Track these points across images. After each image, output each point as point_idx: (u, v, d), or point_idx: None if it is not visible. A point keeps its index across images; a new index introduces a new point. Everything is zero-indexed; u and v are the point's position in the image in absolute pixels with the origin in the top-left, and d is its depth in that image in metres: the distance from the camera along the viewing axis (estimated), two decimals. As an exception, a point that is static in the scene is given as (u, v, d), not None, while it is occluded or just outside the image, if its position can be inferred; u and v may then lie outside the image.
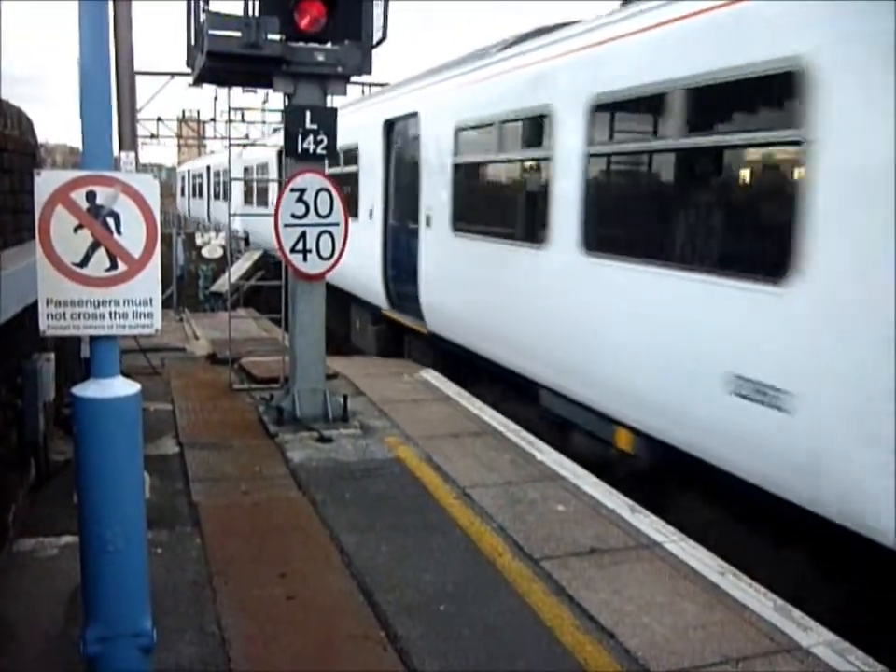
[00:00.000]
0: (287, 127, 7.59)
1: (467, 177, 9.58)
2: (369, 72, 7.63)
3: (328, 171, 8.09)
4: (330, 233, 7.69)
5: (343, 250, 7.79)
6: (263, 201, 22.55)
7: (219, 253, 23.06)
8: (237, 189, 25.02)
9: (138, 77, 10.70)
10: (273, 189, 19.15)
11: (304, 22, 7.09)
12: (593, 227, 6.97)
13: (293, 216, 7.59)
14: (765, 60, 5.12)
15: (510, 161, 8.75)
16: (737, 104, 5.63)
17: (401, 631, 4.29)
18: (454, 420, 8.23)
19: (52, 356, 6.08)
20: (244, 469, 6.70)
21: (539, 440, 7.59)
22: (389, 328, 12.44)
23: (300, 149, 7.51)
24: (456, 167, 9.62)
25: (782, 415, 4.98)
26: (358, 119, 13.04)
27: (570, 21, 8.05)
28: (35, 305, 3.44)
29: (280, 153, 21.63)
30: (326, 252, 7.69)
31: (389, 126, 11.76)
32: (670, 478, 6.45)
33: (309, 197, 7.58)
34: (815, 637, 4.33)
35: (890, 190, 4.30)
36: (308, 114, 7.47)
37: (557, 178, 7.45)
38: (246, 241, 24.64)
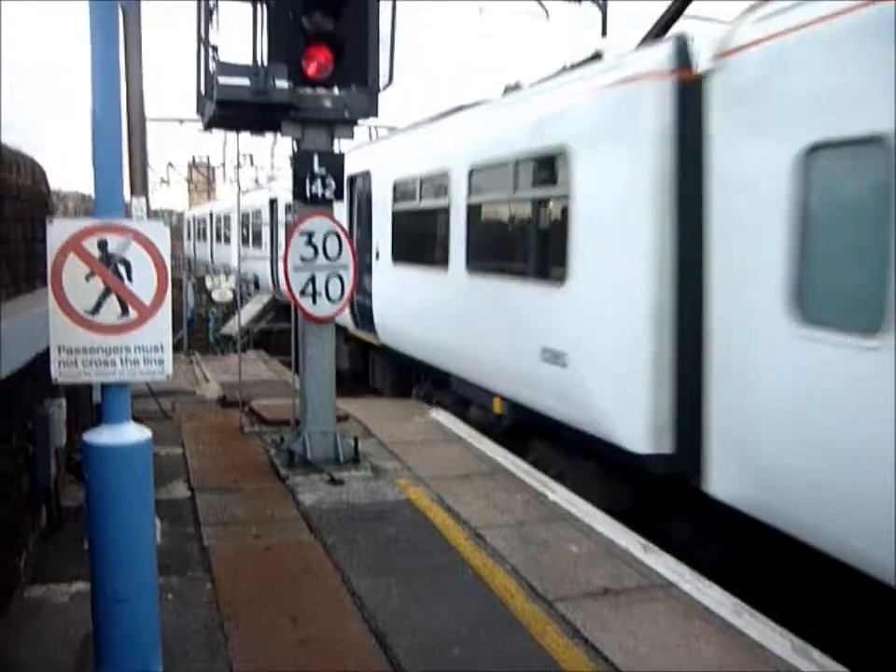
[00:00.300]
0: (296, 171, 7.68)
1: (401, 220, 11.96)
2: (375, 115, 7.75)
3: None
4: (339, 276, 7.75)
5: (352, 292, 7.85)
6: (258, 243, 25.44)
7: (229, 296, 23.20)
8: (234, 233, 26.90)
9: (148, 123, 10.84)
10: (265, 233, 23.49)
11: (312, 69, 7.21)
12: (472, 254, 9.53)
13: (302, 259, 7.65)
14: (551, 145, 7.77)
15: (425, 209, 11.11)
16: (539, 171, 8.29)
17: (414, 675, 4.25)
18: (464, 460, 8.20)
19: (64, 401, 6.10)
20: (255, 512, 6.68)
21: (548, 478, 7.56)
22: (357, 347, 14.77)
23: (308, 193, 7.60)
24: (395, 213, 12.04)
25: (564, 370, 7.43)
26: None
27: (483, 100, 10.33)
28: (47, 352, 3.47)
29: (272, 201, 22.91)
30: (335, 295, 7.74)
31: (352, 181, 13.62)
32: (528, 430, 8.67)
33: (318, 240, 7.65)
34: (834, 677, 4.27)
35: (621, 226, 6.77)
36: (316, 158, 7.57)
37: (453, 220, 9.89)
38: (256, 284, 24.79)
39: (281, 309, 20.43)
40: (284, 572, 5.54)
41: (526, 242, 8.42)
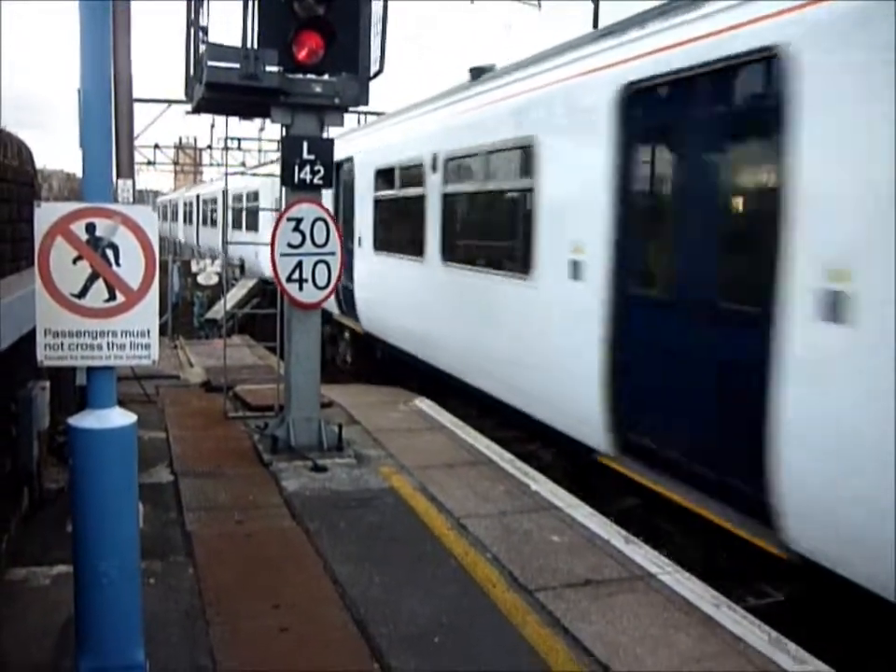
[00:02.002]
0: (284, 157, 7.64)
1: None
2: (366, 103, 7.71)
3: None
4: (326, 263, 7.73)
5: (338, 279, 7.84)
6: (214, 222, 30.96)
7: (215, 280, 23.09)
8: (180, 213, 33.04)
9: (135, 104, 10.77)
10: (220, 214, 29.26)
11: (302, 54, 7.17)
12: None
13: (289, 245, 7.63)
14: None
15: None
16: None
17: (395, 664, 4.26)
18: (448, 450, 8.22)
19: (48, 384, 6.08)
20: (237, 498, 6.68)
21: (531, 469, 7.59)
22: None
23: (296, 179, 7.57)
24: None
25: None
26: None
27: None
28: (31, 333, 3.45)
29: (224, 191, 24.11)
30: (322, 281, 7.72)
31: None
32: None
33: (305, 227, 7.63)
34: (809, 668, 4.32)
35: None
36: (305, 144, 7.54)
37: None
38: (242, 269, 24.69)
39: (267, 294, 20.37)
40: (266, 558, 5.54)
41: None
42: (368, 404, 10.17)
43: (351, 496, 6.78)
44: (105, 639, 3.42)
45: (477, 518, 6.32)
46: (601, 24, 16.89)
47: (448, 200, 9.92)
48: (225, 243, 10.95)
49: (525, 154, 8.09)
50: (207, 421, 9.07)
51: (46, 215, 3.34)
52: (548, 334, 7.75)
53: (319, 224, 7.68)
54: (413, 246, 10.75)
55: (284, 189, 7.95)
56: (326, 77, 7.45)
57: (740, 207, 5.84)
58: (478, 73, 10.22)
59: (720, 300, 5.71)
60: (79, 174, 3.44)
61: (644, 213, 6.70)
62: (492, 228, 9.37)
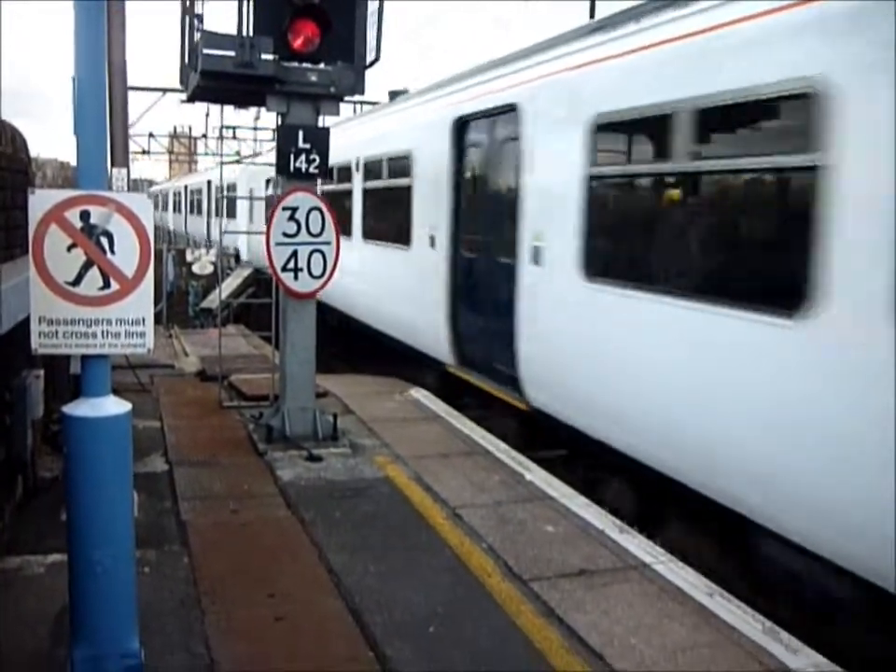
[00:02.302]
0: (280, 146, 7.61)
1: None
2: (362, 92, 7.69)
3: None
4: (322, 252, 7.71)
5: (334, 269, 7.82)
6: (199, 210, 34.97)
7: (210, 269, 23.04)
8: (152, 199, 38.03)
9: (130, 92, 10.71)
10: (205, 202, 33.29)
11: (298, 43, 7.14)
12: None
13: (285, 234, 7.61)
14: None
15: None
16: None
17: (390, 653, 4.27)
18: (443, 439, 8.23)
19: (42, 372, 6.06)
20: (232, 487, 6.67)
21: (526, 459, 7.61)
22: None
23: (292, 168, 7.53)
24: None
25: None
26: None
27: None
28: (25, 322, 3.44)
29: (209, 182, 27.13)
30: (317, 271, 7.70)
31: None
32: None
33: (301, 216, 7.60)
34: (804, 659, 4.34)
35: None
36: (301, 133, 7.51)
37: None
38: (237, 258, 24.65)
39: (262, 283, 20.37)
40: (261, 548, 5.55)
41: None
42: (363, 394, 10.17)
43: (346, 485, 6.78)
44: (99, 628, 3.42)
45: (472, 508, 6.32)
46: (597, 18, 16.91)
47: (366, 193, 12.68)
48: (221, 232, 10.88)
49: (407, 162, 10.81)
50: (202, 410, 9.06)
51: (40, 202, 3.32)
52: (418, 284, 10.48)
53: (315, 213, 7.66)
54: (345, 229, 11.77)
55: (250, 182, 8.12)
56: (321, 65, 7.42)
57: (505, 201, 8.47)
58: (393, 95, 12.82)
59: (496, 256, 8.76)
60: (73, 162, 3.42)
61: (465, 203, 9.50)
62: (389, 214, 11.74)
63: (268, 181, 18.17)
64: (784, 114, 5.23)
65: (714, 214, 5.87)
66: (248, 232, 18.74)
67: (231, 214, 26.32)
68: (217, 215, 29.92)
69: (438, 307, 9.79)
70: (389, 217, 11.76)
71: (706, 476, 5.69)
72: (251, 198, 9.94)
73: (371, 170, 12.50)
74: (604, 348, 6.80)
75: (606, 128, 6.78)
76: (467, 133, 9.43)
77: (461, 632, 4.51)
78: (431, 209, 10.01)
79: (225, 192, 28.13)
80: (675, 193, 6.17)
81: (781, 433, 5.00)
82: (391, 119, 12.42)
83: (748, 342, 5.24)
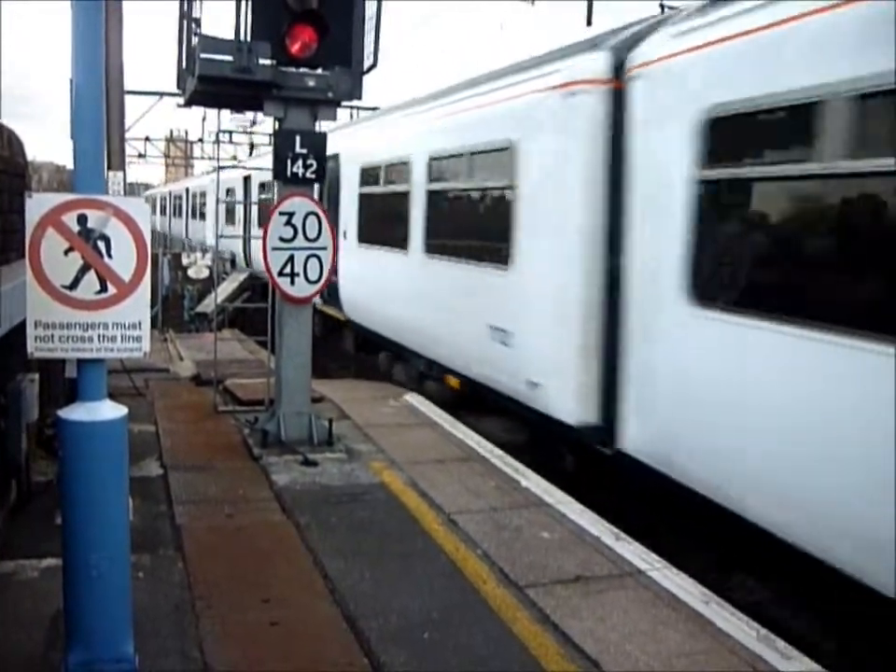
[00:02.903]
0: (277, 151, 7.62)
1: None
2: (359, 97, 7.69)
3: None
4: (318, 257, 7.71)
5: (330, 274, 7.82)
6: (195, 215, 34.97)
7: (205, 273, 23.01)
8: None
9: (126, 96, 10.72)
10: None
11: (296, 48, 7.14)
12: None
13: (281, 239, 7.61)
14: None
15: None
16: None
17: (385, 658, 4.26)
18: (439, 445, 8.22)
19: (37, 376, 6.05)
20: (228, 491, 6.66)
21: (522, 465, 7.60)
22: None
23: (289, 173, 7.54)
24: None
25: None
26: None
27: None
28: (21, 325, 3.43)
29: (186, 189, 31.44)
30: (313, 276, 7.70)
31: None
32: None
33: (297, 221, 7.61)
34: (797, 665, 4.34)
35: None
36: (298, 138, 7.51)
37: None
38: (232, 262, 24.64)
39: (258, 288, 20.36)
40: (256, 552, 5.53)
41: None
42: (358, 399, 10.16)
43: (341, 490, 6.77)
44: (94, 632, 3.41)
45: (468, 514, 6.32)
46: (594, 23, 16.93)
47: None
48: (217, 236, 10.89)
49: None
50: (197, 415, 9.05)
51: (37, 206, 3.32)
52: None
53: (311, 218, 7.66)
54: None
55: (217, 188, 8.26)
56: (319, 70, 7.43)
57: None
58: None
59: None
60: (70, 166, 3.41)
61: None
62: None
63: (246, 179, 19.71)
64: None
65: None
66: (227, 236, 18.91)
67: (202, 217, 30.26)
68: (194, 217, 34.89)
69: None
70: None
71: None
72: (218, 201, 10.20)
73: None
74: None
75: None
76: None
77: (456, 638, 4.50)
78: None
79: (198, 199, 33.41)
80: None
81: None
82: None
83: None
